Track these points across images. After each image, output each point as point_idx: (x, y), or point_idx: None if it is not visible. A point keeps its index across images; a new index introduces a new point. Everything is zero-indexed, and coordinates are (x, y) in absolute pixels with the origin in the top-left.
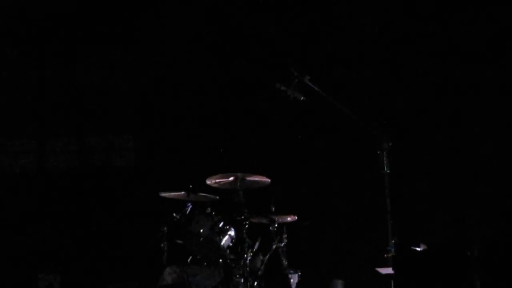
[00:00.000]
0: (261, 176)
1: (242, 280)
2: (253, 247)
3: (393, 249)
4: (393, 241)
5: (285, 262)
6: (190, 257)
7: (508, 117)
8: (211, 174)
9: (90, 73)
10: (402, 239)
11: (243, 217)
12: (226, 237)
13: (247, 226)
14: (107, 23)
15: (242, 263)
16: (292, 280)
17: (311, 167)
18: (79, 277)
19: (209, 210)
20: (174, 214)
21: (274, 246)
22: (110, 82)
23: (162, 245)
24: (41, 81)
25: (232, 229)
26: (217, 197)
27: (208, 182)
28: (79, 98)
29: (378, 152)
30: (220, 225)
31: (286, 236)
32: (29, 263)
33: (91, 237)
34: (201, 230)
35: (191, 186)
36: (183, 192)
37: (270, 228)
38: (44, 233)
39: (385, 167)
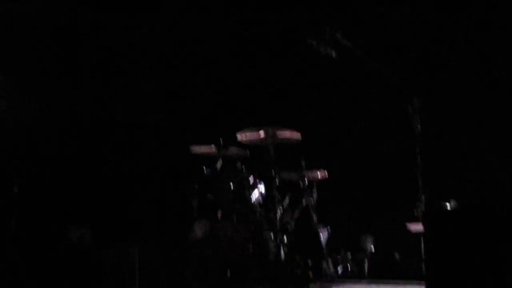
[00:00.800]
0: (292, 131)
1: (272, 235)
2: (283, 203)
3: (423, 205)
4: (423, 197)
5: (315, 218)
6: (220, 212)
7: None
8: (241, 129)
9: None
10: (432, 195)
11: (273, 172)
12: (256, 192)
13: (277, 181)
14: None
15: (272, 218)
16: (322, 236)
17: (342, 124)
18: (110, 231)
19: (239, 165)
20: (205, 169)
21: (304, 202)
22: None
23: (192, 200)
24: None
25: (263, 184)
26: (248, 152)
27: (238, 136)
28: None
29: (409, 108)
30: (251, 180)
31: (316, 191)
32: (59, 216)
33: (121, 191)
34: (231, 185)
35: (221, 140)
36: (213, 147)
37: (300, 183)
38: (75, 186)
39: (416, 125)
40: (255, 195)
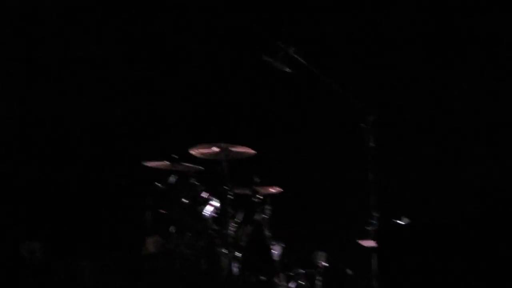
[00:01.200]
0: (245, 147)
1: (225, 251)
2: (236, 218)
3: (375, 222)
4: (375, 214)
5: (268, 234)
6: (173, 227)
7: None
8: (195, 144)
9: None
10: (384, 213)
11: (227, 188)
12: (210, 207)
13: (230, 197)
14: None
15: (225, 233)
16: (275, 252)
17: (296, 140)
18: (61, 245)
19: (192, 180)
20: (158, 184)
21: (257, 217)
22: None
23: (145, 214)
24: None
25: (216, 199)
26: (201, 168)
27: (192, 152)
28: None
29: (362, 125)
30: (204, 195)
31: (269, 207)
32: (11, 230)
33: (73, 205)
34: (184, 200)
35: (174, 155)
36: (166, 162)
37: (254, 199)
38: (27, 200)
39: (369, 141)
40: (208, 210)
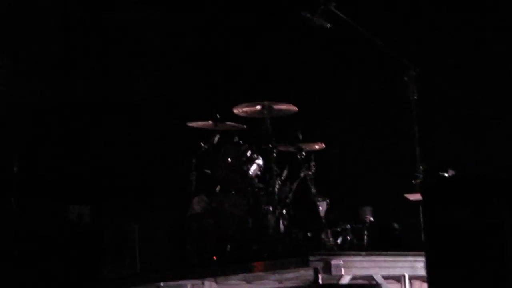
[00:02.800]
0: (288, 104)
1: (271, 208)
2: (281, 175)
3: (421, 175)
4: (421, 167)
5: (313, 190)
6: (219, 186)
7: None
8: (238, 103)
9: None
10: (430, 165)
11: (270, 145)
12: (254, 165)
13: (274, 154)
14: None
15: (270, 191)
16: (320, 208)
17: (338, 94)
18: (109, 208)
19: (236, 139)
20: (202, 144)
21: (302, 174)
22: None
23: (190, 175)
24: None
25: (260, 157)
26: (245, 126)
27: (235, 111)
28: None
29: (406, 78)
30: (248, 154)
31: (314, 164)
32: (58, 195)
33: (119, 168)
34: (229, 159)
35: (218, 115)
36: (210, 121)
37: (298, 156)
38: (73, 165)
39: (413, 93)
40: (253, 168)
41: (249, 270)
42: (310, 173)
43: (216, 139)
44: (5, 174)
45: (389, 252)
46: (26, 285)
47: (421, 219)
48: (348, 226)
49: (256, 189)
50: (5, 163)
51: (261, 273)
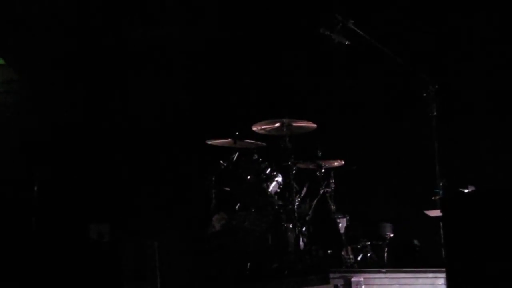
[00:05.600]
0: (307, 122)
1: (291, 226)
2: (300, 193)
3: (441, 192)
4: (441, 184)
5: (333, 207)
6: (238, 204)
7: None
8: (257, 120)
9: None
10: (450, 182)
11: (290, 162)
12: (274, 183)
13: (294, 171)
14: None
15: (290, 208)
16: (340, 225)
17: (357, 111)
18: (130, 226)
19: (256, 156)
20: (221, 162)
21: (321, 191)
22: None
23: (210, 192)
24: None
25: (279, 175)
26: (264, 144)
27: (254, 128)
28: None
29: (425, 94)
30: (267, 171)
31: (333, 181)
32: (79, 214)
33: (139, 187)
34: (249, 177)
35: (237, 133)
36: (229, 139)
37: (317, 173)
38: (93, 184)
39: (432, 110)
40: (272, 186)
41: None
42: (329, 190)
43: (235, 156)
44: (26, 193)
45: (409, 269)
46: None
47: (441, 236)
48: (368, 243)
49: (276, 207)
50: (25, 182)
51: None
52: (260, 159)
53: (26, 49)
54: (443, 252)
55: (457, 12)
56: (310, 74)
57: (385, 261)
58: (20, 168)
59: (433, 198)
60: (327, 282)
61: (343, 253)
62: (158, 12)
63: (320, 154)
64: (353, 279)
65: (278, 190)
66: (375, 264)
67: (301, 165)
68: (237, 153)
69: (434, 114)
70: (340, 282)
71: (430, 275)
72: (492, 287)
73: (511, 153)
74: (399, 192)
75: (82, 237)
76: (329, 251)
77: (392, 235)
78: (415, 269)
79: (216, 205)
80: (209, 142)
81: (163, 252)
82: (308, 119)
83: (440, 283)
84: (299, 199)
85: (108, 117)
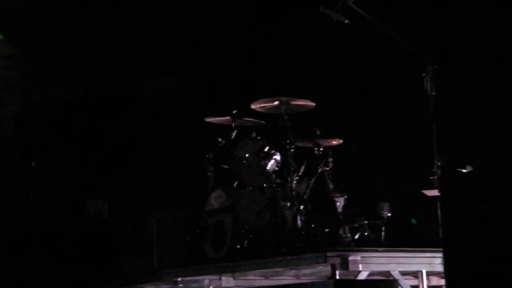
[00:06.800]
0: (305, 100)
1: (288, 204)
2: (298, 171)
3: (439, 171)
4: (439, 164)
5: (331, 186)
6: (236, 182)
7: None
8: (255, 98)
9: None
10: (448, 162)
11: (288, 141)
12: (272, 161)
13: (292, 150)
14: None
15: (287, 187)
16: (338, 203)
17: (356, 90)
18: (128, 202)
19: (254, 134)
20: (220, 139)
21: (319, 170)
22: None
23: (207, 170)
24: None
25: (278, 153)
26: (262, 122)
27: (252, 106)
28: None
29: (424, 74)
30: (266, 149)
31: (331, 159)
32: (78, 189)
33: (137, 163)
34: (247, 155)
35: (235, 110)
36: (228, 117)
37: (316, 151)
38: (91, 159)
39: (431, 89)
40: (270, 164)
41: (267, 265)
42: (327, 168)
43: (233, 134)
44: (23, 169)
45: (406, 248)
46: (44, 280)
47: (439, 215)
48: (366, 222)
49: (274, 185)
50: (23, 158)
51: (278, 269)
52: (259, 137)
53: (26, 23)
54: (440, 232)
55: None
56: (309, 52)
57: (383, 240)
58: (18, 144)
59: (431, 178)
60: (324, 260)
61: (340, 232)
62: None
63: (318, 132)
64: (350, 258)
65: (276, 168)
66: (373, 243)
67: (299, 144)
68: (236, 131)
69: (433, 93)
70: (337, 261)
71: (428, 254)
72: (488, 267)
73: (510, 133)
74: (397, 172)
75: (79, 213)
76: (326, 230)
77: (389, 214)
78: (413, 249)
79: (213, 183)
80: (208, 120)
81: (160, 228)
82: (306, 98)
83: (437, 262)
84: (297, 178)
85: (105, 92)
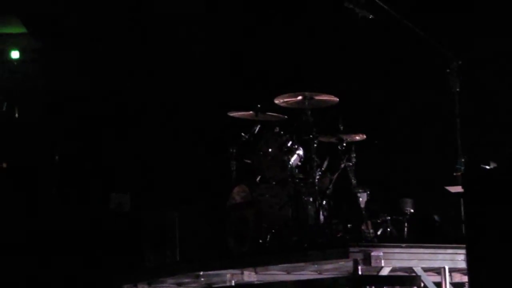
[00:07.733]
0: (329, 95)
1: (311, 199)
2: (321, 166)
3: (462, 168)
4: (463, 160)
5: (353, 181)
6: (259, 177)
7: None
8: (279, 93)
9: None
10: (471, 158)
11: (311, 136)
12: (295, 156)
13: (315, 145)
14: None
15: (310, 182)
16: (360, 199)
17: (380, 86)
18: (150, 196)
19: (277, 129)
20: (243, 134)
21: (342, 165)
22: None
23: (231, 165)
24: None
25: (301, 148)
26: (285, 117)
27: (276, 101)
28: None
29: (448, 70)
30: (289, 144)
31: (354, 155)
32: (100, 183)
33: (160, 158)
34: (270, 150)
35: (259, 105)
36: (251, 112)
37: (339, 147)
38: (115, 154)
39: (455, 86)
40: (293, 159)
41: (288, 260)
42: (350, 164)
43: (257, 129)
44: (47, 163)
45: (429, 244)
46: (68, 272)
47: (462, 212)
48: (388, 217)
49: (297, 180)
50: (47, 152)
51: (300, 264)
52: (282, 132)
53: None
54: (464, 228)
55: None
56: (334, 47)
57: (405, 236)
58: (43, 138)
59: (454, 174)
60: (346, 256)
61: (363, 227)
62: None
63: (341, 128)
64: (372, 253)
65: (299, 163)
66: (395, 239)
67: (322, 139)
68: (259, 126)
69: (457, 90)
70: (359, 256)
71: (450, 250)
72: (510, 264)
73: None
74: (420, 168)
75: (102, 207)
76: (349, 225)
77: (412, 210)
78: (435, 245)
79: (236, 177)
80: (231, 114)
81: (182, 222)
82: (330, 93)
83: (460, 259)
84: (319, 173)
85: (129, 88)
